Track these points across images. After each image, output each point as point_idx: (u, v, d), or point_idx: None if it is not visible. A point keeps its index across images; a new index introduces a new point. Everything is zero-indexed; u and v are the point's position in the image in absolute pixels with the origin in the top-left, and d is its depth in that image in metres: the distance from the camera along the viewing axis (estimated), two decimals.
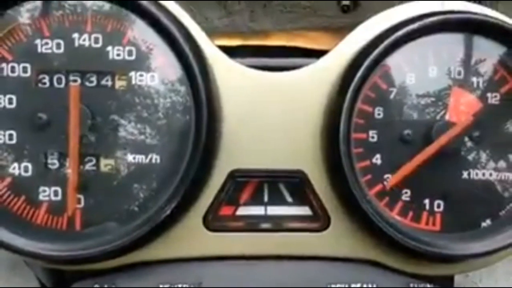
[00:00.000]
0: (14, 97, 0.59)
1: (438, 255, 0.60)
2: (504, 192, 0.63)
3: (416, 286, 0.63)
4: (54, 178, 0.60)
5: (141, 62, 0.60)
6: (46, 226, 0.60)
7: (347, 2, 0.82)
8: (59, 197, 0.60)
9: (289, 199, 0.66)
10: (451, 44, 0.62)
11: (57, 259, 0.58)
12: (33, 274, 0.81)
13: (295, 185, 0.64)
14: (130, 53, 0.60)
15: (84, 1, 0.60)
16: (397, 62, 0.62)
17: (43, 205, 0.60)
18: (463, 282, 0.67)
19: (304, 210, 0.65)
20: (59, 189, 0.60)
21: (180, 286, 0.62)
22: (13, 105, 0.59)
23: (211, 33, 0.66)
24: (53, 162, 0.60)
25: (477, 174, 0.63)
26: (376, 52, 0.58)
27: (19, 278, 0.84)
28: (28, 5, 0.59)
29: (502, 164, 0.63)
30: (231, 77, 0.63)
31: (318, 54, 0.66)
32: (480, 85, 0.62)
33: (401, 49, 0.60)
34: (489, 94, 0.62)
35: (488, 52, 0.63)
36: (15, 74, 0.59)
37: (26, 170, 0.59)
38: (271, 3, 0.85)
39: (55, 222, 0.60)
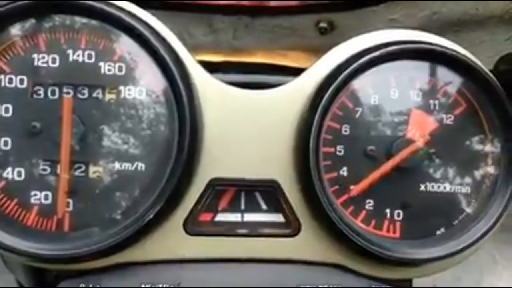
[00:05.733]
0: (10, 107, 0.62)
1: (397, 260, 0.65)
2: (457, 203, 0.68)
3: (377, 287, 0.68)
4: (45, 183, 0.62)
5: (130, 77, 0.64)
6: (36, 227, 0.62)
7: (324, 25, 0.87)
8: (49, 201, 0.63)
9: (264, 207, 0.70)
10: (411, 70, 0.67)
11: (46, 258, 0.61)
12: (13, 277, 0.83)
13: (270, 194, 0.68)
14: (120, 68, 0.64)
15: (77, 19, 0.63)
16: (362, 84, 0.66)
17: (34, 207, 0.62)
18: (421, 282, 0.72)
19: (277, 217, 0.69)
20: (49, 193, 0.63)
21: (160, 286, 0.65)
22: (9, 114, 0.62)
23: (195, 49, 0.70)
24: (45, 168, 0.63)
25: (433, 187, 0.67)
26: (343, 75, 0.63)
27: None
28: (25, 22, 0.63)
29: (455, 178, 0.68)
30: (211, 93, 0.67)
31: (296, 72, 0.70)
32: (437, 107, 0.67)
33: (366, 73, 0.65)
34: (444, 115, 0.67)
35: (444, 78, 0.68)
36: (12, 85, 0.62)
37: (19, 174, 0.62)
38: (253, 23, 0.89)
39: (45, 224, 0.62)
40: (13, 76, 0.62)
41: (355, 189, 0.66)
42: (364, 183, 0.66)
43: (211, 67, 0.68)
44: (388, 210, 0.67)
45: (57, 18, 0.63)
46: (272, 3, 0.89)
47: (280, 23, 0.89)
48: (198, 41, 0.91)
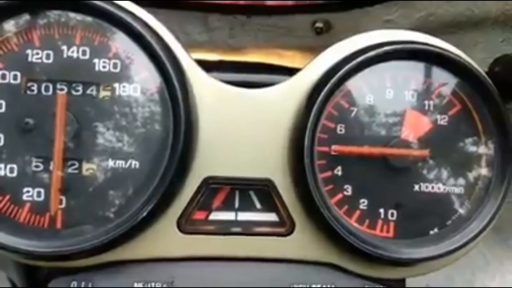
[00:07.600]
0: (3, 102, 0.62)
1: (391, 259, 0.65)
2: (451, 204, 0.68)
3: (370, 287, 0.68)
4: (38, 179, 0.62)
5: (125, 74, 0.63)
6: (28, 224, 0.62)
7: (320, 25, 0.87)
8: (42, 198, 0.62)
9: (258, 206, 0.70)
10: (406, 70, 0.67)
11: (38, 255, 0.60)
12: (4, 275, 0.83)
13: (264, 193, 0.68)
14: (115, 65, 0.63)
15: (71, 15, 0.63)
16: (358, 84, 0.66)
17: (26, 204, 0.62)
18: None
19: (272, 216, 0.69)
20: (42, 190, 0.62)
21: (153, 284, 0.65)
22: (2, 110, 0.62)
23: (191, 47, 0.69)
24: (38, 165, 0.62)
25: (427, 187, 0.67)
26: (338, 74, 0.63)
27: None
28: (19, 18, 0.62)
29: (449, 179, 0.68)
30: (207, 90, 0.66)
31: (291, 71, 0.70)
32: (431, 107, 0.68)
33: (361, 73, 0.65)
34: (438, 116, 0.68)
35: (439, 79, 0.68)
36: (5, 81, 0.62)
37: (11, 171, 0.62)
38: (249, 22, 0.88)
39: (37, 221, 0.62)
40: (6, 72, 0.62)
41: (335, 148, 0.66)
42: (347, 147, 0.65)
43: (206, 66, 0.68)
44: (382, 210, 0.67)
45: (51, 14, 0.63)
46: (268, 3, 0.89)
47: (276, 22, 0.89)
48: (193, 39, 0.90)
